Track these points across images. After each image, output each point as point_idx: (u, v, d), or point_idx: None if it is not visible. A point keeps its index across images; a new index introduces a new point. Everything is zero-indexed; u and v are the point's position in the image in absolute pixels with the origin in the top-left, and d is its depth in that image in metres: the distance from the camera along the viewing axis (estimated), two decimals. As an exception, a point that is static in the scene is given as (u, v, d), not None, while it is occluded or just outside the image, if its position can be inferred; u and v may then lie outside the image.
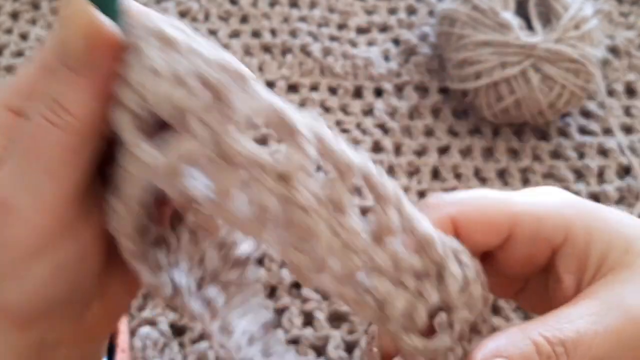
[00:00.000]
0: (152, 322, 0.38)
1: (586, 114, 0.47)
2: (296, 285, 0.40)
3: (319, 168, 0.18)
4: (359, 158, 0.19)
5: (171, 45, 0.16)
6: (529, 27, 0.43)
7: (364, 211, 0.18)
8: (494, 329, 0.20)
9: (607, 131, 0.47)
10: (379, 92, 0.48)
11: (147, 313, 0.38)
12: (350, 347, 0.39)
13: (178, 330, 0.38)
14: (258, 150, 0.16)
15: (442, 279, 0.19)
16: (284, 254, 0.17)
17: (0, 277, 0.18)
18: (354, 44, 0.50)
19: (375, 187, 0.18)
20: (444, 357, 0.19)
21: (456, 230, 0.21)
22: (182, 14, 0.51)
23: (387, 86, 0.48)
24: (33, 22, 0.51)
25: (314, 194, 0.17)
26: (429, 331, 0.19)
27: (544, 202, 0.21)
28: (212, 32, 0.50)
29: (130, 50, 0.17)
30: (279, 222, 0.17)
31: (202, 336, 0.38)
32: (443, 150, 0.46)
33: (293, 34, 0.50)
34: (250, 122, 0.17)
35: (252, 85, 0.17)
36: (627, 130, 0.47)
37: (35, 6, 0.52)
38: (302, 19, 0.51)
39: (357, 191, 0.18)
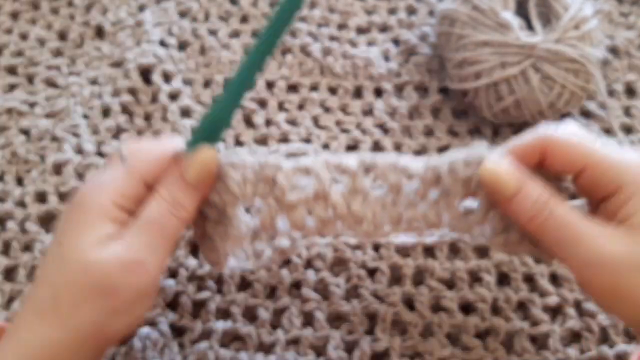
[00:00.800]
0: (152, 323, 0.38)
1: (586, 114, 0.47)
2: (296, 286, 0.40)
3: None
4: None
5: (237, 167, 0.30)
6: (529, 27, 0.43)
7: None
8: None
9: (607, 131, 0.47)
10: (379, 92, 0.48)
11: (147, 313, 0.38)
12: (350, 347, 0.39)
13: (178, 331, 0.38)
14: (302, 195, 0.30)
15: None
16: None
17: (120, 313, 0.28)
18: (353, 44, 0.50)
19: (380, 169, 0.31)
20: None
21: (544, 155, 0.29)
22: (182, 14, 0.51)
23: (387, 86, 0.48)
24: (33, 22, 0.51)
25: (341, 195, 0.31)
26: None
27: (617, 156, 0.28)
28: (212, 32, 0.50)
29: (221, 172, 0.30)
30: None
31: (202, 336, 0.38)
32: (443, 150, 0.46)
33: (293, 33, 0.50)
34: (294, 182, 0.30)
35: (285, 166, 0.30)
36: (627, 130, 0.47)
37: (35, 6, 0.52)
38: (302, 19, 0.51)
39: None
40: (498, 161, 0.29)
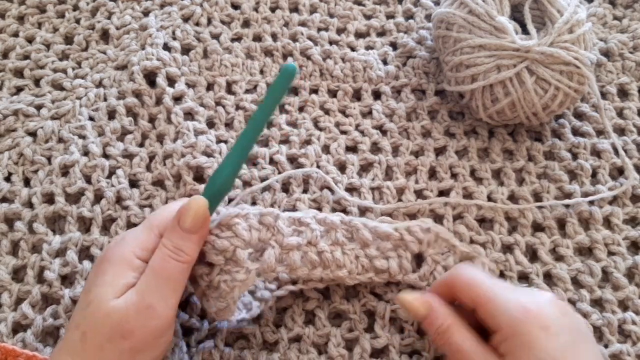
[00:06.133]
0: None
1: (580, 115, 0.48)
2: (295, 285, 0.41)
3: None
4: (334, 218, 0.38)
5: (242, 217, 0.35)
6: (524, 30, 0.44)
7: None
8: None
9: (601, 132, 0.47)
10: (377, 95, 0.49)
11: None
12: (350, 345, 0.40)
13: (185, 331, 0.39)
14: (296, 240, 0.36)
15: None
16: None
17: (139, 352, 0.32)
18: (353, 47, 0.51)
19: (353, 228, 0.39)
20: None
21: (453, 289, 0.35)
22: (186, 18, 0.52)
23: (386, 88, 0.48)
24: (39, 25, 0.52)
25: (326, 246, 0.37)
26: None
27: (501, 299, 0.33)
28: (215, 36, 0.51)
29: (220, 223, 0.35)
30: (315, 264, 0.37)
31: (208, 336, 0.39)
32: (440, 151, 0.47)
33: (294, 37, 0.51)
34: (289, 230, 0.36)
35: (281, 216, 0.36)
36: (621, 131, 0.48)
37: (42, 10, 0.53)
38: (303, 23, 0.52)
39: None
40: (410, 292, 0.36)
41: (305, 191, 0.44)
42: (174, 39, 0.50)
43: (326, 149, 0.46)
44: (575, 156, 0.46)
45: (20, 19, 0.52)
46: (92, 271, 0.34)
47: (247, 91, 0.49)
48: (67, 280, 0.41)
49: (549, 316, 0.31)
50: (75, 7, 0.53)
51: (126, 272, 0.33)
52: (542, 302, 0.32)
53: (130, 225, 0.43)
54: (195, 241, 0.33)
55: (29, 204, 0.43)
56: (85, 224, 0.43)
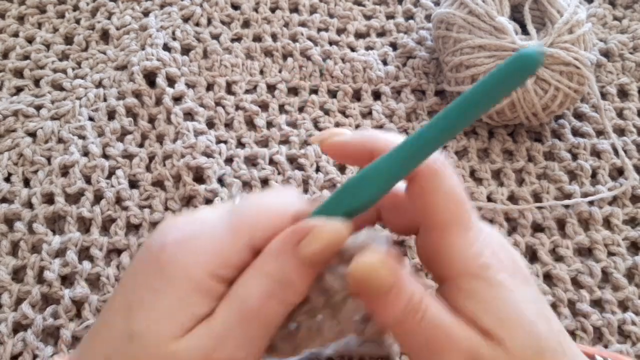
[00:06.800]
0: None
1: (580, 116, 0.48)
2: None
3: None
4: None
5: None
6: (524, 31, 0.44)
7: None
8: None
9: (601, 133, 0.47)
10: (377, 95, 0.49)
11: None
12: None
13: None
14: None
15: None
16: None
17: None
18: (353, 48, 0.51)
19: None
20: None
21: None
22: (186, 18, 0.52)
23: (386, 89, 0.49)
24: (39, 25, 0.52)
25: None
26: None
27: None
28: (215, 37, 0.51)
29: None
30: None
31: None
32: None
33: (294, 38, 0.51)
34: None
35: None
36: (621, 132, 0.48)
37: (42, 10, 0.53)
38: (303, 23, 0.52)
39: None
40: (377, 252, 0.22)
41: (305, 191, 0.44)
42: (174, 39, 0.50)
43: (326, 149, 0.46)
44: (575, 157, 0.46)
45: (20, 19, 0.52)
46: (136, 287, 0.22)
47: (247, 91, 0.49)
48: (67, 280, 0.41)
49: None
50: (75, 7, 0.53)
51: (195, 298, 0.21)
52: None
53: (130, 226, 0.43)
54: (310, 279, 0.22)
55: (29, 205, 0.44)
56: (85, 225, 0.43)
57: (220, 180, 0.44)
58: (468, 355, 0.21)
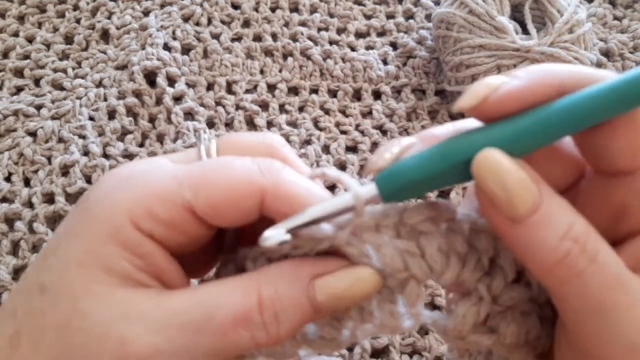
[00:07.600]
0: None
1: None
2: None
3: None
4: None
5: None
6: (524, 30, 0.44)
7: None
8: None
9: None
10: (377, 95, 0.49)
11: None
12: (351, 345, 0.40)
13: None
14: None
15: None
16: None
17: None
18: (353, 47, 0.51)
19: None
20: None
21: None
22: (186, 18, 0.52)
23: (386, 88, 0.49)
24: (39, 25, 0.52)
25: None
26: None
27: None
28: (215, 36, 0.51)
29: None
30: None
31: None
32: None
33: (294, 37, 0.51)
34: None
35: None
36: (621, 131, 0.48)
37: (42, 10, 0.53)
38: (303, 23, 0.52)
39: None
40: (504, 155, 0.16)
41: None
42: (174, 39, 0.50)
43: (326, 149, 0.46)
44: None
45: (21, 18, 0.52)
46: (59, 227, 0.19)
47: (247, 91, 0.49)
48: (67, 280, 0.41)
49: None
50: (76, 7, 0.53)
51: (110, 247, 0.17)
52: None
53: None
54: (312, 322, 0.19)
55: (29, 204, 0.44)
56: (85, 224, 0.43)
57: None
58: None
